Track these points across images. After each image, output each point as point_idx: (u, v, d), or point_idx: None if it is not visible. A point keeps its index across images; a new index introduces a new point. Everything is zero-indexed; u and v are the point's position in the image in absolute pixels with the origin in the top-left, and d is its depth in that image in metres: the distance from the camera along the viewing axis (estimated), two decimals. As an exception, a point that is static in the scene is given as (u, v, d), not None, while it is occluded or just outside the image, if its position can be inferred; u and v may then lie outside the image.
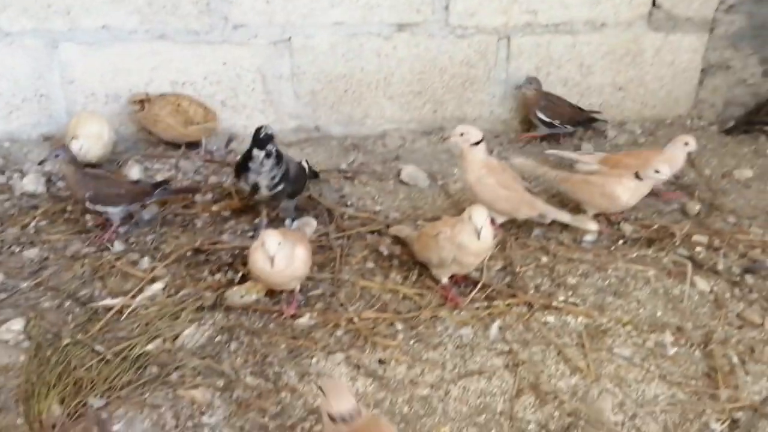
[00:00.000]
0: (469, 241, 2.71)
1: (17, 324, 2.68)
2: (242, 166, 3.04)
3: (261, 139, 2.95)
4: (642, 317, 2.87)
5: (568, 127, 4.08)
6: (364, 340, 2.72)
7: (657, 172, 3.14)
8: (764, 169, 3.95)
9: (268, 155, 2.96)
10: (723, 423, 2.43)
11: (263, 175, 3.00)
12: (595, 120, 4.16)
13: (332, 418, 2.00)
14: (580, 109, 4.13)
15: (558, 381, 2.58)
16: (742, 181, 3.80)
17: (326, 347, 2.68)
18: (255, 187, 3.04)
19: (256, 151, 2.97)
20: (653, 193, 3.39)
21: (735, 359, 2.68)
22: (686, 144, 3.55)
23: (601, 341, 2.75)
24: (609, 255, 3.20)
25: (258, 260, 2.63)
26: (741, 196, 3.71)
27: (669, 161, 3.39)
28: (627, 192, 3.19)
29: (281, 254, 2.59)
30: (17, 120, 3.79)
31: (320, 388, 2.07)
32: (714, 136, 4.27)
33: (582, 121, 4.13)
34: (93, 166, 3.52)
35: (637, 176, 3.18)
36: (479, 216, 2.67)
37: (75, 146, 3.37)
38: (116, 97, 3.81)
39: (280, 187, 3.05)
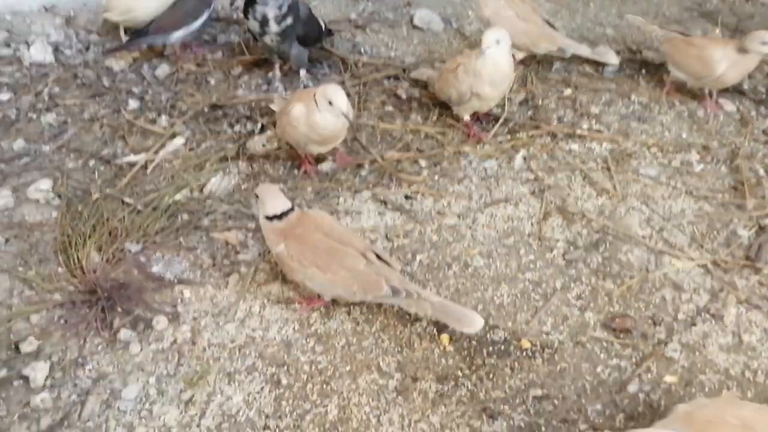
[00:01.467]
0: (482, 65, 2.65)
1: (45, 184, 2.70)
2: (248, 2, 2.99)
3: None
4: (667, 139, 2.85)
5: None
6: (389, 178, 2.73)
7: (764, 44, 2.72)
8: (790, -10, 3.80)
9: None
10: (750, 229, 2.46)
11: (270, 5, 2.93)
12: None
13: (269, 218, 2.20)
14: None
15: (585, 203, 2.60)
16: (766, 3, 3.66)
17: (352, 187, 2.69)
18: (264, 22, 2.97)
19: None
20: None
21: (761, 172, 2.68)
22: None
23: (626, 164, 2.74)
24: (632, 83, 3.14)
25: (318, 121, 2.50)
26: (766, 19, 3.59)
27: None
28: (725, 61, 2.80)
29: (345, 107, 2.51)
30: (16, -9, 3.67)
31: (256, 195, 2.23)
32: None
33: None
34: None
35: (742, 49, 2.76)
36: (489, 35, 2.60)
37: None
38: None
39: (288, 21, 2.97)
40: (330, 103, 2.46)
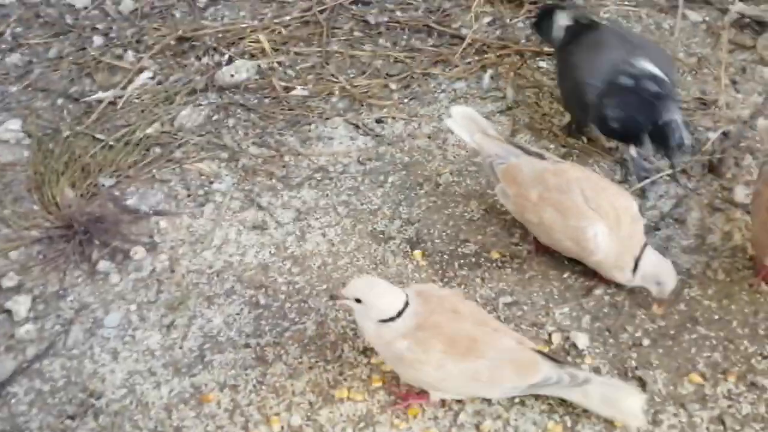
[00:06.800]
0: None
1: (14, 124, 2.70)
2: None
3: None
4: (634, 52, 2.86)
5: None
6: (359, 104, 2.74)
7: None
8: None
9: None
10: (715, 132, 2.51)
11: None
12: None
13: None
14: None
15: (552, 119, 2.64)
16: None
17: (323, 114, 2.71)
18: None
19: None
20: None
21: (726, 81, 2.71)
22: None
23: (593, 79, 2.76)
24: (600, -1, 3.13)
25: None
26: None
27: None
28: None
29: None
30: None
31: (357, 299, 1.78)
32: None
33: None
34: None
35: None
36: None
37: None
38: None
39: None
40: None
